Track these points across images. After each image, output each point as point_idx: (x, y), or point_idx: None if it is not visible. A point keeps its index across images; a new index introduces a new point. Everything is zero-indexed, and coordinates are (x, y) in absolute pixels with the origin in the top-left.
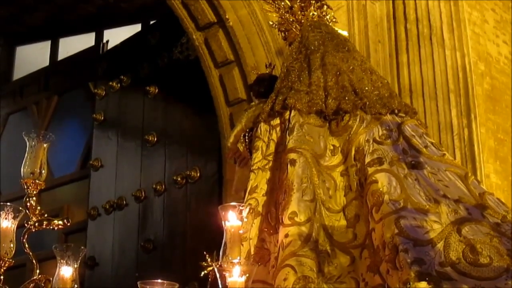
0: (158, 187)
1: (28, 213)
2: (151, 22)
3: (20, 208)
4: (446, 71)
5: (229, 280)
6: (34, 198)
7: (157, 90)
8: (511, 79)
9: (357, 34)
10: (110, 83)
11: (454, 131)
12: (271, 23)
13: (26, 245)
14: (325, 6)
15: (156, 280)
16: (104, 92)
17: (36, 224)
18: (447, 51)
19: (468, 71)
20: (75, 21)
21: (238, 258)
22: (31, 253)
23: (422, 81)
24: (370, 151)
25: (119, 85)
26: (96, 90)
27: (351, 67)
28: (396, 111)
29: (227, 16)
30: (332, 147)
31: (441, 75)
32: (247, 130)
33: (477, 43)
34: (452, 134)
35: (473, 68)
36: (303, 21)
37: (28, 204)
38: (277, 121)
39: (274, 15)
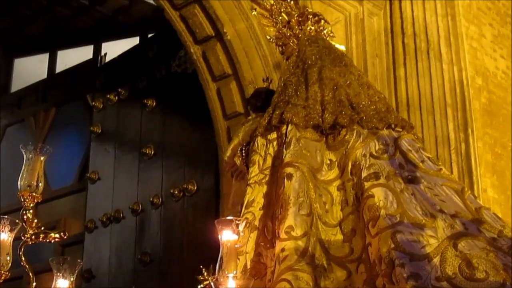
0: (155, 200)
1: (25, 226)
2: (149, 35)
3: (17, 220)
4: (443, 85)
5: None
6: (31, 211)
7: (154, 103)
8: (508, 93)
9: (355, 48)
10: (108, 95)
11: (451, 145)
12: (268, 37)
13: (23, 258)
14: (322, 21)
15: None
16: (102, 105)
17: (33, 237)
18: (445, 65)
19: (466, 85)
20: (74, 33)
21: (234, 272)
22: (27, 266)
23: (419, 95)
24: (367, 165)
25: (116, 97)
26: (94, 103)
27: (348, 82)
28: (392, 125)
29: (225, 30)
30: (328, 162)
31: (438, 89)
32: (244, 144)
33: (475, 58)
34: (449, 148)
35: (470, 82)
36: (300, 35)
37: (25, 217)
38: (274, 135)
39: (272, 29)
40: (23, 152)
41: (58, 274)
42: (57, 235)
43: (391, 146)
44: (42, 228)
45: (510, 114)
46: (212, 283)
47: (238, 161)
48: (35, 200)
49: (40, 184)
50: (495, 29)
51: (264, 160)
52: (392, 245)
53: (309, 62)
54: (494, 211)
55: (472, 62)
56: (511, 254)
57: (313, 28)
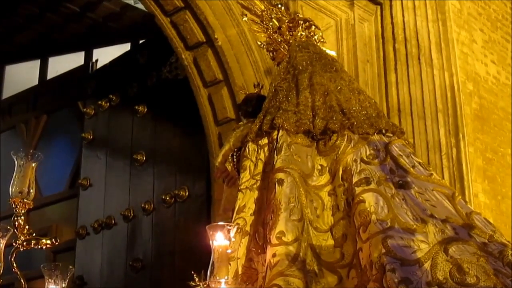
0: (146, 206)
1: (17, 232)
2: (140, 42)
3: (8, 227)
4: (434, 91)
5: None
6: (23, 217)
7: (146, 109)
8: (499, 99)
9: (346, 53)
10: (99, 102)
11: (443, 150)
12: (259, 43)
13: (14, 264)
14: (313, 26)
15: None
16: (93, 111)
17: (24, 243)
18: (435, 71)
19: (457, 91)
20: (65, 40)
21: (226, 277)
22: (19, 272)
23: (410, 101)
24: (358, 171)
25: (108, 104)
26: (85, 109)
27: (338, 87)
28: (383, 131)
29: (216, 36)
30: (319, 167)
31: (429, 94)
32: (235, 149)
33: (466, 63)
34: (441, 153)
35: (461, 88)
36: (291, 41)
37: (16, 223)
38: (265, 140)
39: (263, 35)
40: (14, 159)
41: (50, 280)
42: (48, 242)
43: (382, 151)
44: (34, 235)
45: (501, 119)
46: None
47: (229, 167)
48: (27, 207)
49: (31, 191)
50: (486, 34)
51: (255, 165)
52: (383, 250)
53: (300, 68)
54: (485, 216)
55: (463, 67)
56: (501, 259)
57: (303, 34)
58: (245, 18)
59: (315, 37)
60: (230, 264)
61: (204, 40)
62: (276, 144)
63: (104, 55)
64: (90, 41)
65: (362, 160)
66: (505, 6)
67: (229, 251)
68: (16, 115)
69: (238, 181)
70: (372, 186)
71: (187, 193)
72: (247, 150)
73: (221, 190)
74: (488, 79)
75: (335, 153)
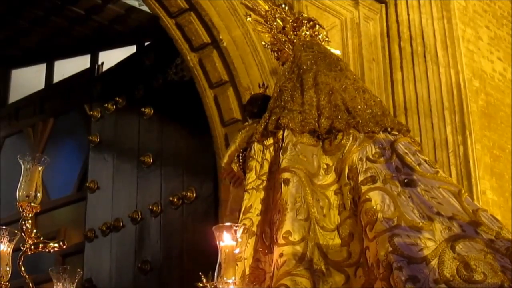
0: (154, 208)
1: (24, 236)
2: (146, 44)
3: (16, 231)
4: (440, 89)
5: None
6: (30, 221)
7: (152, 111)
8: (506, 96)
9: (351, 52)
10: (106, 105)
11: (450, 148)
12: (264, 43)
13: (23, 268)
14: (317, 26)
15: None
16: (99, 114)
17: (32, 247)
18: (441, 69)
19: (463, 88)
20: (70, 43)
21: (233, 278)
22: (27, 276)
23: (416, 99)
24: (364, 169)
25: (114, 106)
26: (91, 112)
27: (343, 86)
28: (389, 129)
29: (221, 37)
30: (325, 166)
31: (435, 92)
32: (241, 150)
33: (471, 60)
34: (448, 151)
35: (467, 85)
36: (295, 41)
37: (24, 227)
38: (270, 140)
39: (267, 35)
40: (21, 163)
41: (58, 284)
42: (56, 245)
43: (388, 149)
44: (42, 238)
45: (508, 116)
46: None
47: (235, 167)
48: (34, 210)
49: (38, 194)
50: (491, 31)
51: (261, 166)
52: (390, 249)
53: (305, 67)
54: (493, 213)
55: (469, 64)
56: (509, 256)
57: (308, 33)
58: (249, 19)
59: (320, 36)
60: (237, 265)
61: (209, 41)
62: (282, 144)
63: (110, 58)
64: (96, 44)
65: (367, 159)
66: (510, 3)
67: (236, 251)
68: (23, 119)
69: (244, 181)
70: (378, 184)
71: (194, 195)
72: (252, 150)
73: (228, 191)
74: (495, 76)
75: (341, 152)
